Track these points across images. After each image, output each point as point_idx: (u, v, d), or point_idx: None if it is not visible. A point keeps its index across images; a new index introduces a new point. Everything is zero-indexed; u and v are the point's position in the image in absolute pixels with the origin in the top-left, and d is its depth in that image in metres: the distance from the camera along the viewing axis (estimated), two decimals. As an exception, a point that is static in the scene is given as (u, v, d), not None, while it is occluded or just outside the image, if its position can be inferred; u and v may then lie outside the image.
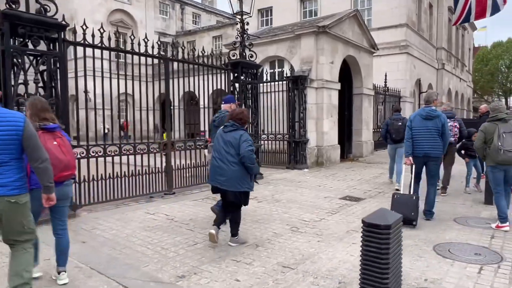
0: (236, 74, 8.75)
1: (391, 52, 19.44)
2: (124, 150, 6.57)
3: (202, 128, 9.98)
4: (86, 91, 6.53)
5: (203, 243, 4.54)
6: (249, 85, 9.01)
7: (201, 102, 8.96)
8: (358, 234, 4.84)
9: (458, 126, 7.29)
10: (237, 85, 8.80)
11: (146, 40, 6.73)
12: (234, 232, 4.51)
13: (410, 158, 5.51)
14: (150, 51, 6.89)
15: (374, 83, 17.17)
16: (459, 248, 4.32)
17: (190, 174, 7.92)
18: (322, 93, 11.38)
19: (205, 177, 8.36)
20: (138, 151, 6.78)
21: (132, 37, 6.62)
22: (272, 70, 12.92)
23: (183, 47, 8.00)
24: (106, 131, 19.93)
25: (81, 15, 27.61)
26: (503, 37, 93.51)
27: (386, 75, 17.18)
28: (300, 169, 10.75)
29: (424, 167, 5.58)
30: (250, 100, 8.97)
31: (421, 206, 5.57)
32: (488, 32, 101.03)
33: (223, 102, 5.59)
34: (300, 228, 5.18)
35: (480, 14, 18.01)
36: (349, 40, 12.61)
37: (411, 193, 5.57)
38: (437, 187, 6.33)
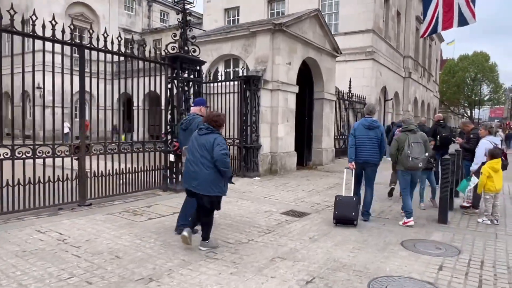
0: (175, 70, 7.75)
1: (357, 58, 19.00)
2: (19, 153, 5.44)
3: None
4: (33, 87, 5.72)
5: (83, 275, 3.53)
6: (191, 83, 8.04)
7: (140, 102, 7.92)
8: (284, 263, 3.99)
9: None
10: (176, 82, 7.79)
11: (53, 23, 5.66)
12: (205, 236, 4.39)
13: (353, 163, 5.92)
14: (69, 40, 5.82)
15: (339, 89, 16.62)
16: (399, 285, 3.51)
17: (115, 181, 6.86)
18: (278, 96, 10.57)
19: (140, 184, 7.35)
20: (39, 154, 5.66)
21: (34, 17, 5.53)
22: (227, 70, 12.01)
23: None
24: (66, 130, 18.44)
25: (37, 5, 25.89)
26: (470, 51, 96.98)
27: (350, 81, 16.65)
28: (251, 177, 9.86)
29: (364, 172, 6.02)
30: (191, 100, 8.01)
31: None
32: (456, 45, 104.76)
33: (192, 105, 5.47)
34: (218, 254, 4.25)
35: (448, 25, 17.81)
36: (310, 41, 11.90)
37: (352, 195, 5.90)
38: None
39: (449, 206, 6.17)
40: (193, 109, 5.27)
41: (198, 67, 8.17)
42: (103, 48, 6.49)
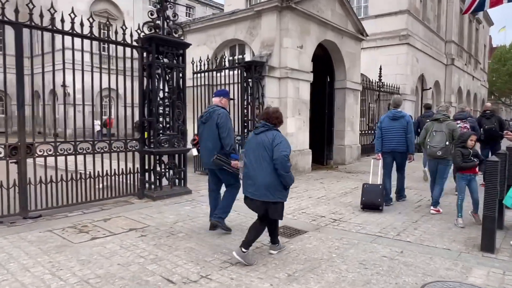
0: (150, 55, 6.49)
1: (390, 43, 16.96)
2: None
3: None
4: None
5: None
6: (171, 70, 6.76)
7: (121, 97, 6.74)
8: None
9: (468, 127, 7.24)
10: (152, 69, 6.53)
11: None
12: (274, 240, 4.10)
13: (380, 154, 6.47)
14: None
15: (369, 78, 14.79)
16: None
17: (79, 187, 5.75)
18: (287, 85, 9.06)
19: (112, 191, 6.23)
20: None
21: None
22: (232, 58, 10.65)
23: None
24: (98, 128, 17.95)
25: (61, 3, 25.88)
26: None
27: (380, 68, 14.74)
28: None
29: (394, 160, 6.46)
30: (172, 89, 6.73)
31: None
32: (508, 32, 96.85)
33: (213, 96, 4.91)
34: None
35: (497, 1, 15.37)
36: (327, 21, 10.26)
37: (381, 183, 6.24)
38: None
39: (497, 224, 4.46)
40: (214, 100, 4.77)
41: (181, 51, 6.86)
42: (49, 27, 5.35)
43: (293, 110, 9.30)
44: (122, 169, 6.35)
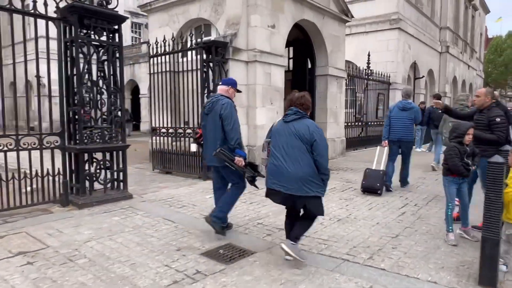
0: (72, 29, 5.26)
1: (380, 27, 15.76)
2: None
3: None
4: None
5: None
6: (101, 49, 5.54)
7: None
8: None
9: None
10: (76, 47, 5.31)
11: None
12: (298, 234, 3.48)
13: (386, 141, 6.73)
14: None
15: (357, 65, 13.63)
16: None
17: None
18: (255, 69, 7.86)
19: (27, 197, 5.06)
20: None
21: None
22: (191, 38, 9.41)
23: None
24: None
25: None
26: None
27: (369, 55, 13.55)
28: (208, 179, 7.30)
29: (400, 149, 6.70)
30: (102, 73, 5.52)
31: None
32: (504, 22, 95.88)
33: (220, 83, 4.40)
34: None
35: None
36: (304, -2, 9.04)
37: (384, 169, 6.53)
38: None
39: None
40: (220, 89, 4.28)
41: (115, 26, 5.63)
42: None
43: (264, 99, 8.12)
44: (36, 170, 5.16)
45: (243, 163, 3.98)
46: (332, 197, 6.14)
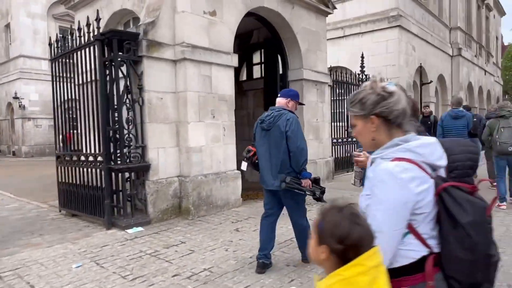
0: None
1: (377, 26, 13.53)
2: None
3: None
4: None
5: None
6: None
7: None
8: None
9: None
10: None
11: None
12: None
13: None
14: None
15: (351, 70, 11.45)
16: None
17: None
18: (185, 71, 5.71)
19: None
20: None
21: None
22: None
23: None
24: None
25: (15, 6, 23.18)
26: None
27: (362, 56, 11.27)
28: (123, 229, 5.07)
29: None
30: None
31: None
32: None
33: (278, 95, 3.79)
34: None
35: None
36: (262, -20, 6.93)
37: None
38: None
39: None
40: (279, 101, 3.72)
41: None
42: None
43: (201, 111, 5.92)
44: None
45: (310, 183, 3.56)
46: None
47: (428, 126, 8.58)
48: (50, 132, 22.73)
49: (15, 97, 22.60)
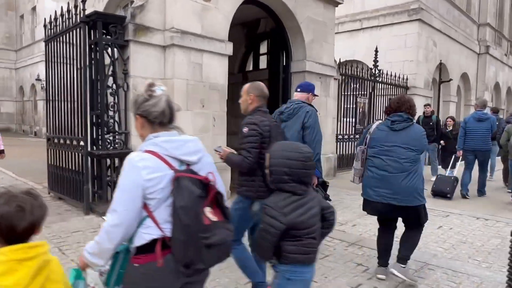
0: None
1: (396, 20, 12.94)
2: None
3: None
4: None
5: None
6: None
7: None
8: None
9: None
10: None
11: None
12: (409, 254, 3.27)
13: (461, 151, 6.86)
14: None
15: (367, 64, 11.02)
16: None
17: None
18: (174, 57, 5.55)
19: None
20: None
21: None
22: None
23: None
24: None
25: (40, -9, 23.65)
26: None
27: (376, 50, 10.77)
28: (103, 215, 5.00)
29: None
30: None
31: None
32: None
33: (298, 90, 3.84)
34: None
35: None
36: (264, -35, 6.65)
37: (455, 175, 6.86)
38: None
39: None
40: (298, 96, 3.77)
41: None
42: None
43: (189, 100, 5.76)
44: None
45: (316, 183, 3.49)
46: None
47: (431, 127, 8.07)
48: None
49: (38, 79, 23.26)
